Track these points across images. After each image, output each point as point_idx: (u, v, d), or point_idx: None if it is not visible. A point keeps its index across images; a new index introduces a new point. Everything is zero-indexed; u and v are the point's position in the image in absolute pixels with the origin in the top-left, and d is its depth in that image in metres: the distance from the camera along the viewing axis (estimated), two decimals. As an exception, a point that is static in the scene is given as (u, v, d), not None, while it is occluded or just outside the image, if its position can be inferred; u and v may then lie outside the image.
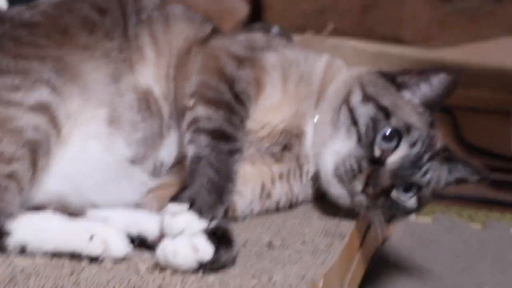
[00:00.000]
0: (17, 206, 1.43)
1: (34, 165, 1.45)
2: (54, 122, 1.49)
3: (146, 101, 1.60)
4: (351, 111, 1.62)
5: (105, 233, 1.38)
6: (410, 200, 1.64)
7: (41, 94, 1.49)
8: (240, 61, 1.63)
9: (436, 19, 3.49)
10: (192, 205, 1.43)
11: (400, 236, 2.23)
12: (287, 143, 1.68)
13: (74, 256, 1.38)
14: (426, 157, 1.62)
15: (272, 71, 1.65)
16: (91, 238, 1.37)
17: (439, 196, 2.39)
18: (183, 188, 1.46)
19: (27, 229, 1.39)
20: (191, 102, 1.57)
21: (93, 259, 1.37)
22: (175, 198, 1.44)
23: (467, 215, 2.39)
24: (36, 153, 1.45)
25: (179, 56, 1.64)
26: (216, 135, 1.53)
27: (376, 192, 1.59)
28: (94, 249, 1.37)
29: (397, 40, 3.44)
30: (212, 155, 1.51)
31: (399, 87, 1.65)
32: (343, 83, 1.69)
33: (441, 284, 2.03)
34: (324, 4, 3.55)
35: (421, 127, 1.62)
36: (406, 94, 1.65)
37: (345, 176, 1.60)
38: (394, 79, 1.65)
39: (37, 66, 1.52)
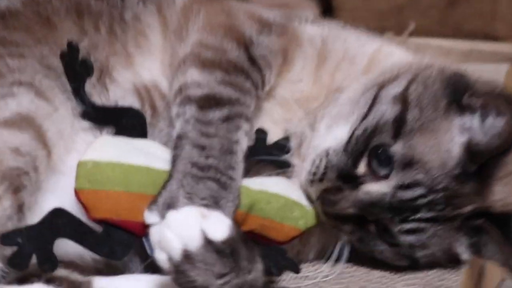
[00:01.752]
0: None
1: (20, 208, 1.09)
2: (42, 139, 1.13)
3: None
4: (374, 100, 1.21)
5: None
6: (389, 250, 1.21)
7: (20, 101, 1.12)
8: (266, 25, 1.26)
9: (534, 10, 3.16)
10: (168, 208, 1.09)
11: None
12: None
13: None
14: (423, 213, 1.17)
15: (308, 45, 1.28)
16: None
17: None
18: (163, 186, 1.12)
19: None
20: (181, 68, 1.21)
21: None
22: (150, 203, 1.11)
23: None
24: (21, 189, 1.09)
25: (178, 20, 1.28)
26: (205, 102, 1.17)
27: (327, 212, 1.19)
28: None
29: (489, 36, 3.12)
30: (196, 130, 1.15)
31: (457, 108, 1.20)
32: (404, 64, 1.27)
33: None
34: (403, 2, 3.25)
35: (436, 172, 1.16)
36: (456, 122, 1.19)
37: (307, 177, 1.21)
38: (461, 96, 1.20)
39: (14, 62, 1.18)
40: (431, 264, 1.23)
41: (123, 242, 1.10)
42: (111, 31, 1.25)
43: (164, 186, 1.11)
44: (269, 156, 1.23)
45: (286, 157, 1.24)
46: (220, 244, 1.00)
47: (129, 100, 1.21)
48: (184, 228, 1.00)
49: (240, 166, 1.17)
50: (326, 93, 1.29)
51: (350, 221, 1.20)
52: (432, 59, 1.29)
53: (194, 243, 0.99)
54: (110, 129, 1.19)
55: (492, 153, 1.17)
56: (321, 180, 1.19)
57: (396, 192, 1.16)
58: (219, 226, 1.02)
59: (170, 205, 1.09)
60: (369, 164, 1.18)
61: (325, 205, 1.19)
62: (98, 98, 1.22)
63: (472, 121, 1.18)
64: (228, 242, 1.01)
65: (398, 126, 1.18)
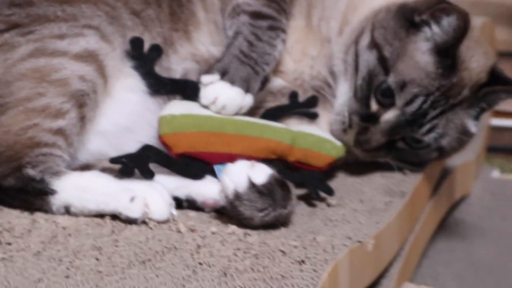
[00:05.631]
0: (64, 164, 1.41)
1: (82, 119, 1.43)
2: (101, 71, 1.45)
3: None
4: (356, 55, 1.54)
5: (147, 195, 1.34)
6: (422, 151, 1.55)
7: (89, 41, 1.45)
8: None
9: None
10: (223, 75, 1.47)
11: (480, 193, 2.15)
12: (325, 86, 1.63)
13: (116, 216, 1.36)
14: (432, 113, 1.50)
15: None
16: (131, 200, 1.34)
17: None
18: (216, 61, 1.49)
19: (72, 188, 1.36)
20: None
21: (133, 221, 1.34)
22: (207, 71, 1.48)
23: (556, 171, 2.27)
24: (84, 105, 1.43)
25: None
26: (255, 15, 1.54)
27: (367, 148, 1.53)
28: (133, 211, 1.33)
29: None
30: (249, 30, 1.52)
31: (413, 28, 1.51)
32: (363, 18, 1.58)
33: (517, 245, 1.94)
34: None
35: (425, 81, 1.49)
36: (417, 39, 1.51)
37: (337, 128, 1.56)
38: (412, 18, 1.51)
39: (87, 10, 1.49)
40: (454, 148, 1.57)
41: (200, 167, 1.44)
42: (172, 10, 1.57)
43: (219, 60, 1.50)
44: (301, 109, 1.58)
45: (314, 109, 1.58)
46: (260, 186, 1.34)
47: (188, 65, 1.57)
48: (236, 175, 1.34)
49: (272, 64, 1.54)
50: (320, 41, 1.62)
51: (383, 148, 1.54)
52: (378, 2, 1.58)
53: (242, 186, 1.33)
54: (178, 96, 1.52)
55: (456, 44, 1.50)
56: (350, 126, 1.54)
57: (405, 110, 1.50)
58: (261, 174, 1.35)
59: (224, 73, 1.48)
60: (377, 101, 1.52)
61: (362, 145, 1.53)
62: (160, 64, 1.54)
63: (432, 30, 1.49)
64: (266, 185, 1.34)
65: (383, 63, 1.51)
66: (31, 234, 1.31)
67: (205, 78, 1.48)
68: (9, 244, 1.27)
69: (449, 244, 1.93)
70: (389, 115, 1.51)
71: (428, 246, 1.81)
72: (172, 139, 1.44)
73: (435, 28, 1.50)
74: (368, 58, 1.52)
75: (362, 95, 1.52)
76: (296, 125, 1.55)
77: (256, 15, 1.55)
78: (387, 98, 1.51)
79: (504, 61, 2.74)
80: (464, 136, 1.56)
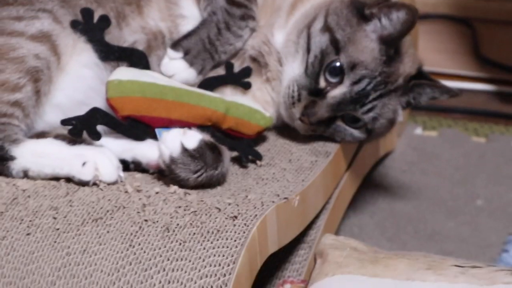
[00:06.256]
0: (21, 132, 1.56)
1: (37, 92, 1.57)
2: (54, 50, 1.60)
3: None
4: (308, 38, 1.67)
5: (97, 160, 1.50)
6: (356, 131, 1.70)
7: (43, 23, 1.60)
8: None
9: None
10: (186, 54, 1.65)
11: (404, 149, 2.32)
12: (260, 55, 1.76)
13: (70, 179, 1.51)
14: (373, 95, 1.65)
15: None
16: (83, 164, 1.49)
17: (446, 110, 2.52)
18: (184, 36, 1.68)
19: (29, 155, 1.51)
20: None
21: (85, 183, 1.49)
22: (174, 45, 1.67)
23: (472, 128, 2.45)
24: (39, 80, 1.57)
25: None
26: (231, 1, 1.69)
27: (311, 121, 1.67)
28: (85, 175, 1.49)
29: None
30: (222, 16, 1.68)
31: (364, 19, 1.66)
32: (316, 5, 1.73)
33: (435, 197, 2.12)
34: None
35: (371, 65, 1.64)
36: (367, 28, 1.66)
37: (287, 101, 1.69)
38: (362, 10, 1.66)
39: None
40: (382, 132, 1.74)
41: (142, 129, 1.59)
42: None
43: (185, 37, 1.67)
44: (236, 79, 1.73)
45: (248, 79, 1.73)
46: (192, 151, 1.51)
47: (138, 36, 1.71)
48: (171, 141, 1.50)
49: (230, 53, 1.70)
50: (270, 11, 1.76)
51: (324, 124, 1.68)
52: None
53: (176, 151, 1.50)
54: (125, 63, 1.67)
55: (401, 37, 1.66)
56: (299, 100, 1.67)
57: (352, 88, 1.64)
58: (192, 140, 1.51)
59: (187, 52, 1.66)
60: (325, 79, 1.65)
61: (308, 117, 1.66)
62: (113, 35, 1.68)
63: (381, 22, 1.64)
64: (198, 149, 1.51)
65: (335, 44, 1.65)
66: (-7, 196, 1.46)
67: (171, 53, 1.66)
68: (-26, 205, 1.43)
69: (373, 196, 2.11)
70: (336, 92, 1.65)
71: (355, 198, 1.97)
72: (118, 102, 1.57)
73: (384, 20, 1.64)
74: (321, 40, 1.66)
75: (312, 71, 1.65)
76: (230, 95, 1.71)
77: (232, 2, 1.69)
78: (334, 76, 1.65)
79: (430, 23, 2.92)
80: (393, 121, 1.73)
